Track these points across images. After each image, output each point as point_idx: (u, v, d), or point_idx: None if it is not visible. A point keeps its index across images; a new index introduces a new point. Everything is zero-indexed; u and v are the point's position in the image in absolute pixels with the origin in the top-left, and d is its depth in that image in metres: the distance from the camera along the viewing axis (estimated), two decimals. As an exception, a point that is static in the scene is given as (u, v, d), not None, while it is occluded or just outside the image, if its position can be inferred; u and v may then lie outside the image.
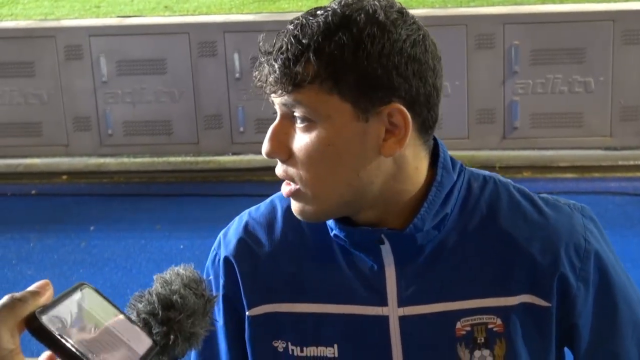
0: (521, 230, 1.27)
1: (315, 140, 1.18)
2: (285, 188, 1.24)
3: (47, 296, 0.83)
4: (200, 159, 6.91)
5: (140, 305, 1.02)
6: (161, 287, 1.03)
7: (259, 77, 1.21)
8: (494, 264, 1.26)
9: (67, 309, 0.84)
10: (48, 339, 0.81)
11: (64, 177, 6.89)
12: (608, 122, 6.50)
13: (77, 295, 0.86)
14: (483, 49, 6.43)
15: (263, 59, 1.20)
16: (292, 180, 1.22)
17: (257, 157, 6.66)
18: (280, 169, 1.23)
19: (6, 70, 6.89)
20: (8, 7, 9.63)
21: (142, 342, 0.89)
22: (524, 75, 6.44)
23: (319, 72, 1.15)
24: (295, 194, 1.23)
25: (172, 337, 1.01)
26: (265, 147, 1.22)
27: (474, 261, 1.26)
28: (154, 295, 1.02)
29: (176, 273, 1.05)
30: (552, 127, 6.54)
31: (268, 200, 1.40)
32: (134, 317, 1.01)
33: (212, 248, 1.39)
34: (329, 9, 1.18)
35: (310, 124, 1.18)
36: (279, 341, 1.30)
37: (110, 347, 0.84)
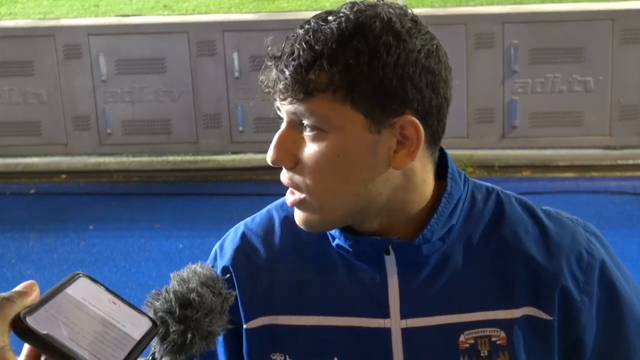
0: (523, 243, 1.26)
1: (325, 150, 1.15)
2: (290, 197, 1.20)
3: (33, 296, 0.83)
4: (199, 158, 6.91)
5: (157, 304, 1.02)
6: (178, 285, 1.03)
7: (266, 82, 1.17)
8: (497, 276, 1.25)
9: (56, 305, 0.84)
10: (35, 340, 0.81)
11: (63, 176, 6.88)
12: (607, 121, 6.49)
13: (69, 288, 0.86)
14: (482, 48, 6.43)
15: (271, 64, 1.16)
16: (298, 188, 1.18)
17: (257, 156, 6.66)
18: (285, 177, 1.20)
19: (5, 70, 6.89)
20: (7, 6, 9.62)
21: (141, 327, 0.89)
22: (523, 74, 6.44)
23: (333, 80, 1.12)
24: (300, 204, 1.19)
25: (189, 335, 1.00)
26: (270, 154, 1.18)
27: (477, 273, 1.25)
28: (171, 294, 1.02)
29: (193, 271, 1.05)
30: (551, 127, 6.54)
31: (264, 210, 1.36)
32: (151, 314, 1.01)
33: (208, 261, 1.34)
34: (341, 14, 1.14)
35: (320, 133, 1.15)
36: (277, 354, 1.28)
37: (102, 338, 0.84)
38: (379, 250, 1.23)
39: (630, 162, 6.49)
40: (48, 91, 6.86)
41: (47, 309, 0.83)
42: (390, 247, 1.22)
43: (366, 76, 1.12)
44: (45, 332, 0.81)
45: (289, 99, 1.14)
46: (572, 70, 6.40)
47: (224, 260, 1.32)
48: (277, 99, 1.16)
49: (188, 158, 6.93)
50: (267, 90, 1.17)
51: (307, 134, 1.16)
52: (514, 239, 1.26)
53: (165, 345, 1.02)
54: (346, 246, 1.24)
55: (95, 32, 6.87)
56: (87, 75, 6.80)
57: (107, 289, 0.89)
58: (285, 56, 1.14)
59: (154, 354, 1.03)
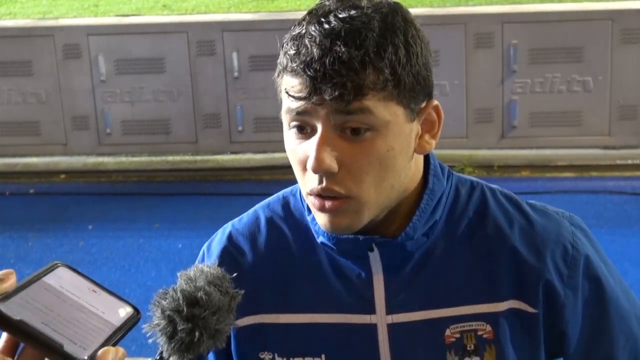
0: (508, 236, 1.26)
1: (376, 147, 1.14)
2: (328, 202, 1.16)
3: (9, 284, 0.83)
4: (198, 158, 6.91)
5: (164, 302, 1.02)
6: (185, 284, 1.03)
7: (298, 91, 1.13)
8: (481, 269, 1.25)
9: (32, 292, 0.84)
10: (8, 326, 0.81)
11: (62, 176, 6.89)
12: (606, 121, 6.50)
13: (47, 277, 0.87)
14: (482, 48, 6.43)
15: (304, 71, 1.11)
16: (341, 194, 1.15)
17: (256, 156, 6.66)
18: (326, 184, 1.15)
19: (4, 69, 6.89)
20: (6, 6, 9.63)
21: (121, 314, 0.89)
22: (522, 74, 6.45)
23: (383, 77, 1.12)
24: (343, 207, 1.16)
25: (197, 334, 1.01)
26: (316, 163, 1.13)
27: (461, 267, 1.25)
28: (178, 292, 1.02)
29: (200, 270, 1.05)
30: (550, 126, 6.54)
31: (251, 211, 1.36)
32: (158, 314, 1.01)
33: (196, 262, 1.33)
34: (353, 12, 1.13)
35: (369, 132, 1.14)
36: (265, 352, 1.28)
37: (80, 323, 0.84)
38: (363, 248, 1.23)
39: (629, 162, 6.50)
40: (47, 91, 6.86)
41: (22, 296, 0.83)
42: (373, 245, 1.22)
43: (407, 69, 1.14)
44: (19, 319, 0.80)
45: (343, 103, 1.11)
46: (571, 70, 6.40)
47: (211, 260, 1.32)
48: (323, 105, 1.12)
49: (187, 158, 6.93)
50: (302, 98, 1.13)
51: (355, 135, 1.14)
52: (498, 233, 1.26)
53: (172, 344, 1.02)
54: (330, 244, 1.24)
55: (95, 32, 6.88)
56: (87, 75, 6.80)
57: (88, 278, 0.90)
58: (327, 59, 1.10)
59: (161, 353, 1.03)
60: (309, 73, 1.11)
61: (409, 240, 1.22)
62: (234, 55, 6.60)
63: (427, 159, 1.27)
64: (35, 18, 8.62)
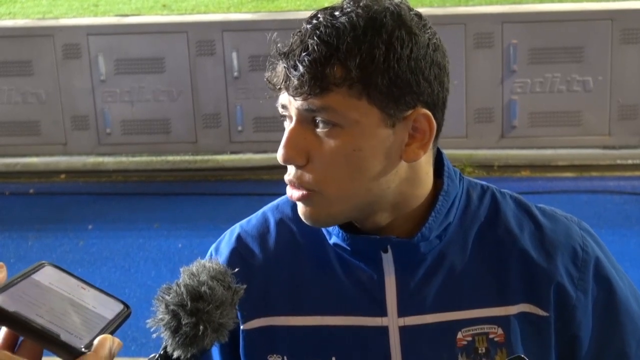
0: (518, 240, 1.26)
1: (341, 145, 1.15)
2: (296, 192, 1.19)
3: (0, 277, 0.84)
4: (198, 157, 6.91)
5: (168, 297, 1.03)
6: (189, 279, 1.04)
7: (275, 78, 1.16)
8: (493, 273, 1.25)
9: (24, 287, 0.85)
10: (4, 318, 0.82)
11: (62, 176, 6.89)
12: (607, 121, 6.50)
13: (35, 274, 0.88)
14: (481, 48, 6.43)
15: (281, 60, 1.15)
16: (308, 185, 1.17)
17: (256, 156, 6.66)
18: (293, 176, 1.18)
19: (4, 69, 6.89)
20: (6, 6, 9.63)
21: (112, 308, 0.90)
22: (522, 74, 6.44)
23: (349, 75, 1.12)
24: (308, 199, 1.18)
25: (201, 327, 1.01)
26: (281, 153, 1.16)
27: (473, 271, 1.25)
28: (182, 287, 1.03)
29: (202, 265, 1.06)
30: (550, 126, 6.54)
31: (259, 212, 1.36)
32: (162, 308, 1.02)
33: None
34: (348, 9, 1.14)
35: (335, 128, 1.14)
36: (275, 355, 1.27)
37: (73, 316, 0.85)
38: (377, 249, 1.23)
39: (629, 162, 6.50)
40: (47, 91, 6.86)
41: (13, 291, 0.84)
42: (388, 246, 1.22)
43: (382, 70, 1.12)
44: (14, 310, 0.81)
45: (303, 95, 1.13)
46: (571, 70, 6.40)
47: (220, 262, 1.31)
48: (290, 95, 1.15)
49: (187, 158, 6.93)
50: (276, 86, 1.16)
51: (321, 129, 1.15)
52: (509, 237, 1.27)
53: (177, 339, 1.03)
54: (344, 245, 1.24)
55: (95, 32, 6.88)
56: (86, 75, 6.80)
57: (75, 276, 0.91)
58: (297, 51, 1.13)
59: (165, 347, 1.04)
60: (282, 63, 1.15)
61: (424, 241, 1.22)
62: (234, 55, 6.59)
63: (440, 161, 1.27)
64: (35, 18, 8.62)
